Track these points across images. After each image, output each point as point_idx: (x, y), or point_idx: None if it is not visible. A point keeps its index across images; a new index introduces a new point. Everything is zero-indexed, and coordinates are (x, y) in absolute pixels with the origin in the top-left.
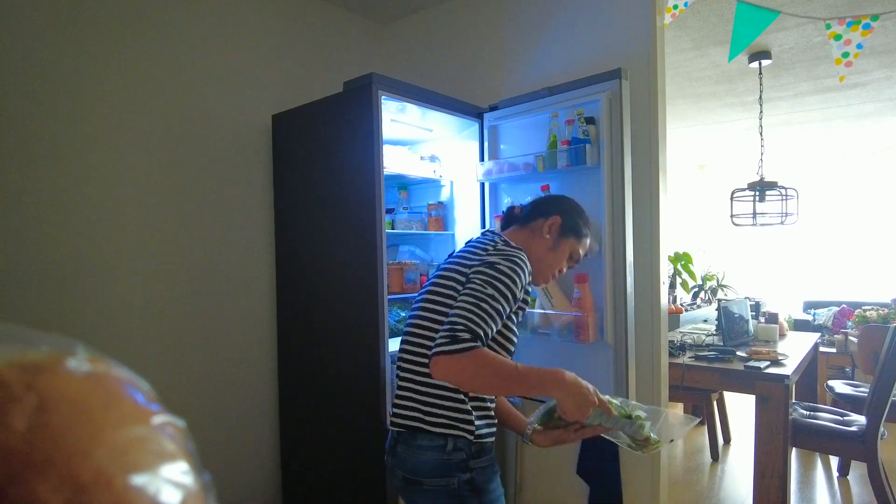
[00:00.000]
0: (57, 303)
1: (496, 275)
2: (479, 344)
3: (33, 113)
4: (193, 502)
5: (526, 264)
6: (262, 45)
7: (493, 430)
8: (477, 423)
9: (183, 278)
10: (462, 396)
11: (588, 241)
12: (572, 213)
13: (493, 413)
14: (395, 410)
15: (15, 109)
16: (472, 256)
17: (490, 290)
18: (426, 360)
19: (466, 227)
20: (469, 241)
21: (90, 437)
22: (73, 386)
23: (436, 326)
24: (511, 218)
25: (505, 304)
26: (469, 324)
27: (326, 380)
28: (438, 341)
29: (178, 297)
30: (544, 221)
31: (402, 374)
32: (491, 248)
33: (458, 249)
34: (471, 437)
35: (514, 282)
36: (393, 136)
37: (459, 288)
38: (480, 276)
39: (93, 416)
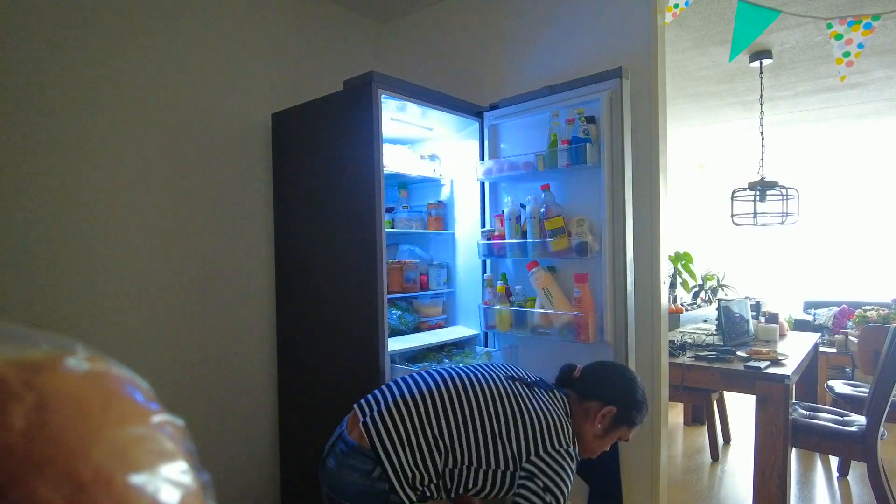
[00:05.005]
0: (56, 302)
1: (551, 492)
2: None
3: (32, 111)
4: (192, 501)
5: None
6: (261, 43)
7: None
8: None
9: (182, 277)
10: (439, 480)
11: (641, 424)
12: (629, 405)
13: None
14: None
15: (14, 108)
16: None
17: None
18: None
19: (466, 226)
20: (532, 382)
21: (89, 436)
22: (72, 385)
23: (489, 461)
24: (569, 380)
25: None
26: None
27: (326, 379)
28: None
29: (177, 296)
30: (599, 408)
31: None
32: (558, 423)
33: (517, 375)
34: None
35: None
36: (393, 135)
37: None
38: (537, 484)
39: (92, 415)
